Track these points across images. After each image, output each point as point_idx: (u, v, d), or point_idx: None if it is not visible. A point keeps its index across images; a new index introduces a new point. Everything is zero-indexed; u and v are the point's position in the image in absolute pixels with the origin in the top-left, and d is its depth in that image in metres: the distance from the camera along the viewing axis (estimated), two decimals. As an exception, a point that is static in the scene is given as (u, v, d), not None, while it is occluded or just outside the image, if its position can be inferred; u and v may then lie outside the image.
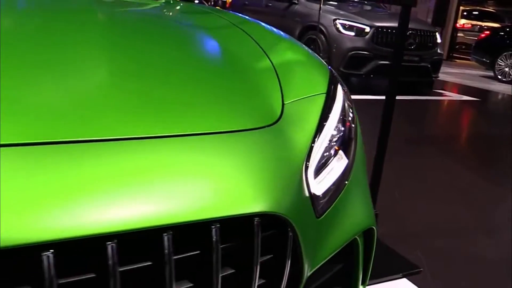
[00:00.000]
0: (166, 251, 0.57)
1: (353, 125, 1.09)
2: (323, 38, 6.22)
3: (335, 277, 1.05)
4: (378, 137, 1.93)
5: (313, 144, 0.89)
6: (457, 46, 14.04)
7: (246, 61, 1.09)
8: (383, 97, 1.91)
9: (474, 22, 14.67)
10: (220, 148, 0.72)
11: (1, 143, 0.56)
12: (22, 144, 0.58)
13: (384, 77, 6.21)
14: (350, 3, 7.27)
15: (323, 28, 6.22)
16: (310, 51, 1.29)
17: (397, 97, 1.94)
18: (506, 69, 8.88)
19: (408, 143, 3.81)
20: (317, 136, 0.92)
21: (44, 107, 0.67)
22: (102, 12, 1.36)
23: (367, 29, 5.95)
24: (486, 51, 9.31)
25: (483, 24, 14.38)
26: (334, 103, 1.04)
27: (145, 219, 0.56)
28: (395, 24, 5.97)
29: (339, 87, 1.13)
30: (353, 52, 5.92)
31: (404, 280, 1.72)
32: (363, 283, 1.15)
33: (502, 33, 9.27)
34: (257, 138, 0.79)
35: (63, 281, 0.53)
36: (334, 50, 6.01)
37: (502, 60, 8.96)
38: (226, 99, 0.87)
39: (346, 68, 5.93)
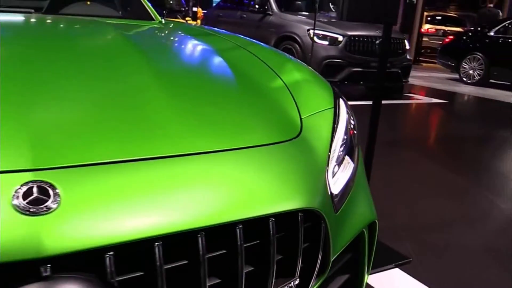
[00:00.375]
0: (239, 242, 0.74)
1: (355, 132, 1.27)
2: (298, 48, 6.45)
3: (345, 265, 1.21)
4: (367, 140, 2.13)
5: (329, 153, 1.06)
6: (422, 50, 14.58)
7: (262, 81, 1.25)
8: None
9: (438, 27, 15.29)
10: (263, 159, 0.88)
11: (89, 162, 0.70)
12: (99, 163, 0.71)
13: (358, 84, 6.50)
14: (320, 13, 7.54)
15: (297, 38, 6.47)
16: (312, 69, 1.46)
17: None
18: (471, 72, 9.34)
19: (387, 145, 4.04)
20: (331, 145, 1.09)
21: (108, 129, 0.81)
22: (118, 37, 1.50)
23: (340, 38, 6.22)
24: (451, 54, 9.77)
25: (446, 28, 15.00)
26: (339, 115, 1.22)
27: (225, 214, 0.73)
28: (366, 33, 6.33)
29: (341, 101, 1.30)
30: (327, 61, 6.18)
31: (397, 270, 1.91)
32: (367, 271, 1.32)
33: (465, 38, 9.75)
34: (289, 148, 0.96)
35: (168, 266, 0.68)
36: (309, 59, 6.24)
37: (466, 63, 9.41)
38: (259, 116, 1.04)
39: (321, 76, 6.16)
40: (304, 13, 7.18)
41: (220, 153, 0.83)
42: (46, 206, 0.61)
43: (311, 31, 6.33)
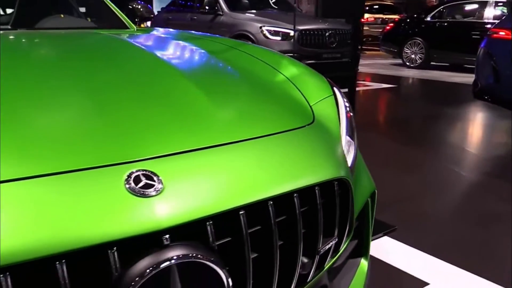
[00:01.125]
0: (297, 211, 0.89)
1: (351, 114, 1.44)
2: (252, 45, 6.63)
3: (355, 232, 1.39)
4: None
5: (340, 133, 1.23)
6: (364, 39, 15.17)
7: (268, 77, 1.40)
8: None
9: (377, 16, 15.97)
10: (295, 141, 1.04)
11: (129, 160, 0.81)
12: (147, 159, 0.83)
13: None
14: (269, 10, 7.77)
15: (251, 36, 6.65)
16: (303, 63, 1.63)
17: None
18: (412, 56, 9.88)
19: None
20: (340, 125, 1.26)
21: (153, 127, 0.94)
22: (131, 47, 1.61)
23: (292, 33, 6.44)
24: (393, 41, 10.30)
25: (384, 16, 15.70)
26: (338, 101, 1.39)
27: (284, 186, 0.88)
28: (315, 26, 6.60)
29: (335, 89, 1.47)
30: (282, 55, 6.39)
31: (385, 237, 2.12)
32: (371, 237, 1.50)
33: (404, 24, 10.29)
34: (311, 131, 1.12)
35: (251, 230, 0.83)
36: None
37: (407, 48, 9.95)
38: (279, 107, 1.19)
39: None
40: (252, 11, 7.37)
41: (263, 138, 0.98)
42: (154, 189, 0.74)
43: (264, 28, 6.54)
